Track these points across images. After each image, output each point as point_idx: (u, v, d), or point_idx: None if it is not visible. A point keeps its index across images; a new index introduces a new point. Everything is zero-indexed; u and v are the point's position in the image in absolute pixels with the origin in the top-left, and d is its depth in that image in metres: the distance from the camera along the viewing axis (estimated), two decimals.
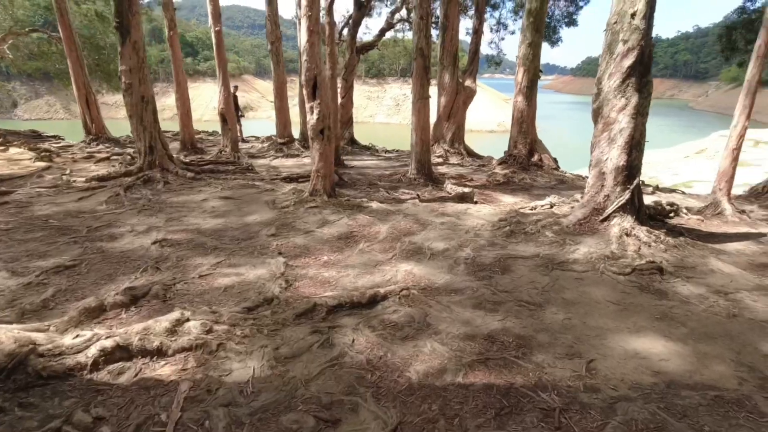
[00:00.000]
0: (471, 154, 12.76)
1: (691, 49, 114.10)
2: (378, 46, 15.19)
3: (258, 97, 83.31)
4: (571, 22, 14.65)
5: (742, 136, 6.73)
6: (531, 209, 6.62)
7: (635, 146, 4.94)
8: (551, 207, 6.51)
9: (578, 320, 3.60)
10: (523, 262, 4.65)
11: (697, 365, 3.06)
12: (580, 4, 14.22)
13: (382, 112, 76.69)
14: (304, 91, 6.00)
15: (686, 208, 7.48)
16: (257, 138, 15.50)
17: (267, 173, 9.59)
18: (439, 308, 3.70)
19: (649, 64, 4.90)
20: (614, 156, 4.94)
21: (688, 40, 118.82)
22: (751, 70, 6.62)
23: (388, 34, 17.33)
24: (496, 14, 16.07)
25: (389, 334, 3.31)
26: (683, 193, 12.65)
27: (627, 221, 4.98)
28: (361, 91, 77.34)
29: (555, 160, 11.77)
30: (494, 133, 67.91)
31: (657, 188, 14.41)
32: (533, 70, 10.31)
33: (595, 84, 5.17)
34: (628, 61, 4.69)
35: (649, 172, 29.90)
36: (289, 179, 8.33)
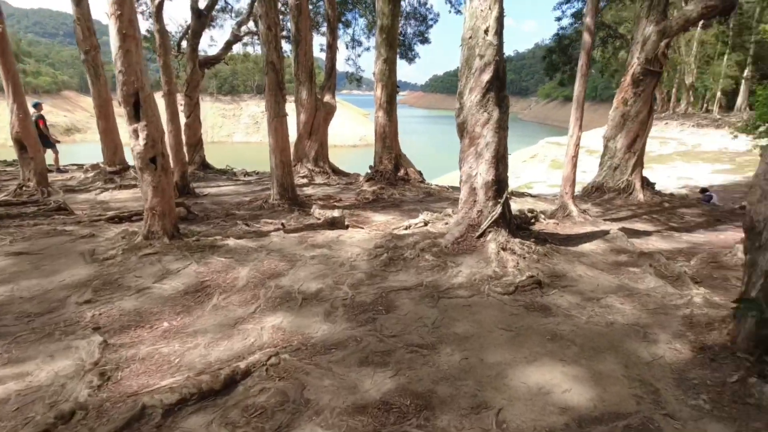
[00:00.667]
0: (337, 171, 12.36)
1: (514, 70, 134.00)
2: (225, 60, 13.92)
3: (86, 117, 72.02)
4: (424, 40, 15.49)
5: (577, 145, 7.50)
6: (406, 229, 6.36)
7: (501, 160, 4.96)
8: (425, 225, 6.32)
9: (475, 358, 3.25)
10: (407, 294, 4.23)
11: (597, 390, 2.92)
12: (430, 22, 15.13)
13: (241, 131, 72.89)
14: (124, 111, 4.78)
15: (541, 212, 8.10)
16: (81, 167, 12.81)
17: (89, 212, 7.72)
18: (319, 374, 3.01)
19: (504, 80, 4.99)
20: (483, 171, 4.88)
21: (511, 62, 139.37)
22: (578, 87, 7.43)
23: (237, 48, 16.14)
24: (350, 31, 16.23)
25: (256, 429, 2.49)
26: (531, 196, 14.16)
27: (501, 235, 4.95)
28: (214, 109, 72.46)
29: (420, 173, 12.02)
30: (357, 148, 69.77)
31: (511, 194, 16.04)
32: (391, 86, 10.37)
33: (457, 98, 5.10)
34: (486, 76, 4.68)
35: None
36: (119, 219, 6.73)
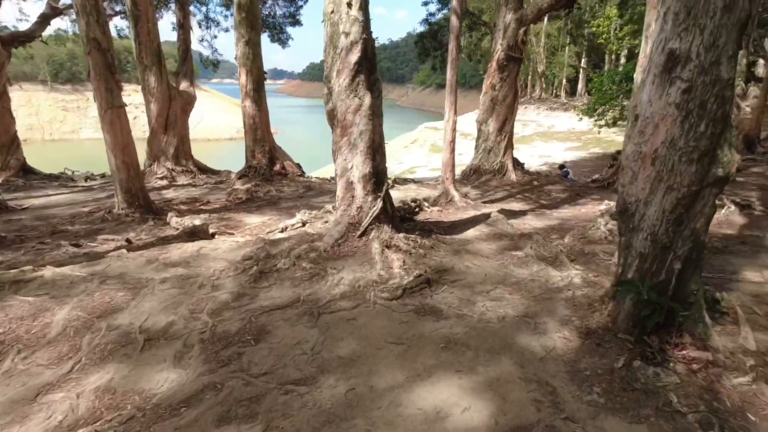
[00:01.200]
0: (204, 170, 10.99)
1: (390, 58, 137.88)
2: (43, 39, 11.36)
3: None
4: (295, 22, 14.45)
5: (454, 130, 7.49)
6: (282, 231, 5.66)
7: (377, 150, 4.54)
8: (303, 225, 5.70)
9: (364, 386, 2.78)
10: (281, 314, 3.59)
11: (496, 402, 2.65)
12: (300, 2, 14.15)
13: (90, 126, 62.96)
14: None
15: (425, 199, 8.00)
16: None
17: None
18: None
19: (374, 60, 4.55)
20: (359, 163, 4.42)
21: (386, 51, 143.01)
22: (450, 72, 7.38)
23: (63, 25, 13.36)
24: (204, 9, 14.42)
25: None
26: (414, 181, 14.32)
27: (384, 232, 4.56)
28: (51, 101, 61.59)
29: (299, 166, 11.28)
30: (234, 141, 65.19)
31: (394, 181, 16.02)
32: (256, 71, 9.38)
33: (324, 83, 4.52)
34: (354, 56, 4.19)
35: None
36: None
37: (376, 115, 4.47)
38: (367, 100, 4.28)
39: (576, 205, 8.17)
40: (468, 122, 40.24)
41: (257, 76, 9.42)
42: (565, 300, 3.89)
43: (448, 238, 5.48)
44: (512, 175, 10.21)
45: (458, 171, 11.44)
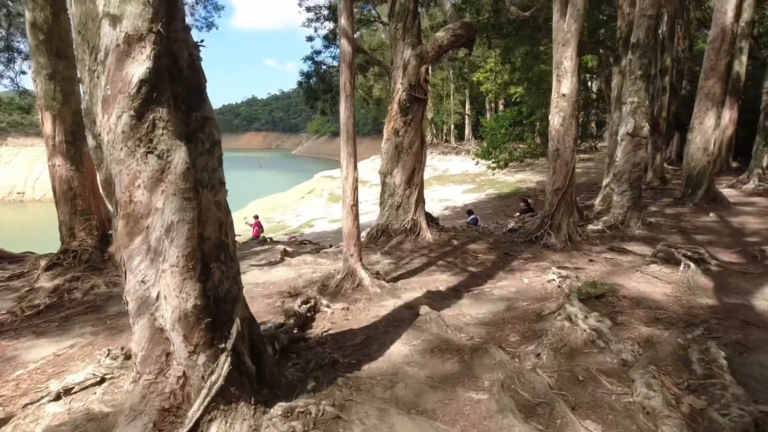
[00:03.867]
0: None
1: (283, 108, 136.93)
2: None
3: None
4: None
5: (355, 189, 5.48)
6: (56, 398, 2.97)
7: (215, 255, 2.25)
8: (101, 382, 3.07)
9: None
10: None
11: None
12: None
13: None
14: None
15: (323, 285, 5.76)
16: None
17: None
18: None
19: (199, 82, 2.35)
20: (173, 290, 2.07)
21: (278, 101, 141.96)
22: (344, 112, 5.46)
23: None
24: None
25: None
26: (312, 243, 12.01)
27: (239, 419, 2.21)
28: None
29: None
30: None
31: (270, 240, 13.37)
32: (71, 116, 6.53)
33: (85, 121, 2.17)
34: (136, 68, 1.93)
35: (276, 217, 31.17)
36: None
37: (207, 186, 2.21)
38: (178, 159, 2.02)
39: (512, 273, 6.56)
40: (365, 169, 39.51)
41: (72, 123, 6.58)
42: None
43: (364, 374, 3.28)
44: (427, 234, 8.48)
45: (363, 233, 9.43)
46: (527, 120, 23.26)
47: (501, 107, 40.32)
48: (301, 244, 12.19)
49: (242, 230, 20.83)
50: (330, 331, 4.15)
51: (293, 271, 7.08)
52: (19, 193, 52.83)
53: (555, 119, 8.01)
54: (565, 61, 7.79)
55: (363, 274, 5.48)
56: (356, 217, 5.51)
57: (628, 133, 8.79)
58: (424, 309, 4.46)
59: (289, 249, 10.57)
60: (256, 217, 15.27)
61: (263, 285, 6.44)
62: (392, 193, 8.65)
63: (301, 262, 7.72)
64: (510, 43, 12.84)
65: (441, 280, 6.27)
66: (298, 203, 35.52)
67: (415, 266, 7.19)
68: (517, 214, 14.29)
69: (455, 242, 8.50)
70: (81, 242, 6.77)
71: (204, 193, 2.17)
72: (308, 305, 4.37)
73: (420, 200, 8.69)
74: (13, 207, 45.47)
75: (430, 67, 8.22)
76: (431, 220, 9.16)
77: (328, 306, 4.57)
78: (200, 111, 2.21)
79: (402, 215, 8.61)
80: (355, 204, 5.47)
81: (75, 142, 6.65)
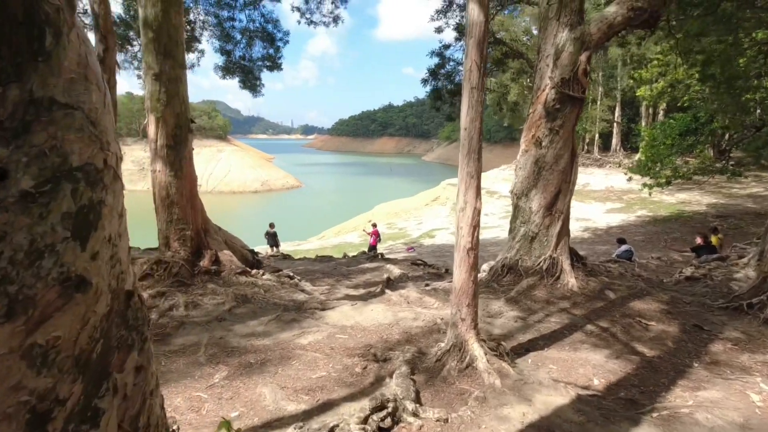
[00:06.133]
0: None
1: (416, 114, 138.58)
2: None
3: None
4: (274, 66, 11.43)
5: (475, 226, 3.66)
6: None
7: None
8: None
9: None
10: None
11: None
12: (279, 44, 11.16)
13: (123, 178, 63.17)
14: None
15: (418, 354, 4.07)
16: None
17: None
18: None
19: None
20: None
21: (413, 107, 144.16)
22: (467, 111, 3.69)
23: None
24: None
25: None
26: (426, 265, 10.41)
27: None
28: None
29: (252, 254, 7.64)
30: (258, 193, 63.77)
31: (382, 256, 11.84)
32: (174, 119, 5.99)
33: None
34: None
35: (398, 223, 30.43)
36: None
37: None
38: None
39: (719, 369, 4.02)
40: (494, 179, 36.59)
41: (175, 126, 6.02)
42: None
43: None
44: (570, 280, 6.19)
45: (484, 265, 7.44)
46: (705, 128, 18.29)
47: (660, 114, 33.61)
48: (414, 265, 10.69)
49: (363, 238, 20.35)
50: None
51: (390, 313, 5.54)
52: (198, 185, 62.59)
53: None
54: None
55: (476, 350, 3.65)
56: (473, 266, 3.69)
57: None
58: None
59: (396, 271, 9.14)
60: (374, 225, 14.27)
61: (350, 331, 5.03)
62: (526, 220, 6.55)
63: (403, 299, 6.15)
64: (696, 26, 9.45)
65: (593, 365, 4.09)
66: (421, 210, 34.38)
67: (552, 328, 5.06)
68: (688, 251, 10.69)
69: (610, 295, 6.05)
70: (174, 253, 6.19)
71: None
72: (384, 413, 2.71)
73: (564, 233, 6.43)
74: (246, 195, 53.58)
75: (591, 56, 5.93)
76: (577, 258, 6.80)
77: (414, 415, 2.86)
78: (26, 82, 0.73)
79: (537, 250, 6.47)
80: (474, 248, 3.66)
81: (176, 146, 6.09)
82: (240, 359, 4.24)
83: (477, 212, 3.59)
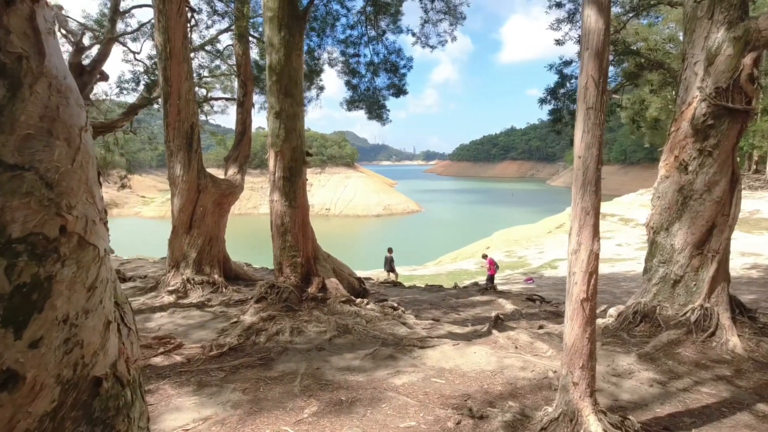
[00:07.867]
0: (241, 276, 8.17)
1: (540, 137, 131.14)
2: (130, 129, 10.65)
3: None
4: (400, 92, 11.68)
5: (592, 273, 2.97)
6: None
7: None
8: None
9: None
10: None
11: None
12: (403, 71, 11.38)
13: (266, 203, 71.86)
14: None
15: (520, 417, 3.43)
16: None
17: None
18: None
19: None
20: None
21: (536, 130, 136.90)
22: (581, 134, 3.10)
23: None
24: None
25: None
26: (544, 301, 9.32)
27: None
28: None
29: (360, 282, 7.67)
30: (380, 218, 66.42)
31: (495, 289, 10.75)
32: (290, 153, 6.37)
33: None
34: None
35: (518, 251, 28.50)
36: None
37: None
38: None
39: None
40: (629, 205, 32.15)
41: (291, 159, 6.40)
42: None
43: None
44: (732, 339, 4.80)
45: (611, 309, 6.26)
46: None
47: None
48: (529, 300, 9.66)
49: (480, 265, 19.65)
50: None
51: (495, 359, 4.92)
52: (326, 209, 68.02)
53: None
54: None
55: (592, 425, 2.90)
56: (590, 320, 2.99)
57: None
58: None
59: (508, 307, 8.32)
60: (485, 256, 13.52)
61: (448, 375, 4.57)
62: (667, 259, 5.35)
63: (511, 342, 5.44)
64: None
65: None
66: (543, 238, 31.77)
67: (704, 401, 3.92)
68: None
69: None
70: (285, 278, 6.49)
71: None
72: None
73: (721, 277, 5.07)
74: (321, 219, 58.18)
75: (759, 58, 4.67)
76: (741, 310, 5.29)
77: None
78: None
79: (682, 297, 5.21)
80: (590, 299, 2.97)
81: (291, 177, 6.46)
82: (331, 395, 4.10)
83: (594, 256, 2.92)
